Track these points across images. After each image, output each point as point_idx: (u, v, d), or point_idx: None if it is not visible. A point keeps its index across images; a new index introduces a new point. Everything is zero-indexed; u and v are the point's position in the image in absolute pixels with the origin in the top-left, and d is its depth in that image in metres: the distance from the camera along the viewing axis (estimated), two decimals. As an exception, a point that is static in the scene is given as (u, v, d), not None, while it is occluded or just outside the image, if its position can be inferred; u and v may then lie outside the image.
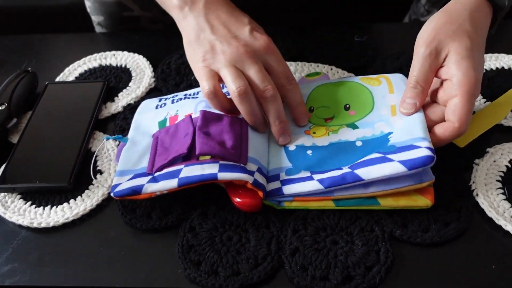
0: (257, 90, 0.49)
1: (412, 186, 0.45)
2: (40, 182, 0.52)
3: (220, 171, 0.46)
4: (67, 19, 0.95)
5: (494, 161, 0.51)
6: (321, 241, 0.45)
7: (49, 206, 0.51)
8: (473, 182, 0.49)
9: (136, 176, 0.49)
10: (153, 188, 0.47)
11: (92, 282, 0.45)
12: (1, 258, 0.47)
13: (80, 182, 0.53)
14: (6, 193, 0.53)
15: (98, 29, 0.85)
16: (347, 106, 0.52)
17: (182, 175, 0.46)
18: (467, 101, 0.46)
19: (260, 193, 0.46)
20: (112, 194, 0.48)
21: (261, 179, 0.47)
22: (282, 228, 0.47)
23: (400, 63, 0.64)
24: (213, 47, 0.50)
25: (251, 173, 0.46)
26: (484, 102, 0.58)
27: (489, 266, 0.43)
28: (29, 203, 0.52)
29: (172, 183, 0.46)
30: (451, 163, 0.51)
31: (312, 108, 0.54)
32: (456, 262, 0.44)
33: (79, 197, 0.52)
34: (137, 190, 0.47)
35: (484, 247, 0.45)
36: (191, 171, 0.46)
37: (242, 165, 0.47)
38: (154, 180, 0.47)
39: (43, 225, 0.49)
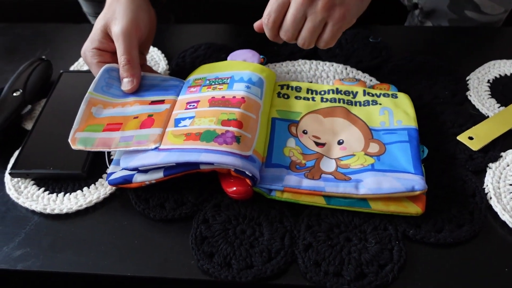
0: None
1: (404, 193, 0.45)
2: (54, 169, 0.52)
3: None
4: (80, 9, 0.95)
5: (508, 165, 0.51)
6: (335, 238, 0.46)
7: (62, 193, 0.51)
8: (487, 186, 0.49)
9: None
10: (142, 178, 0.48)
11: (104, 269, 0.45)
12: (14, 242, 0.47)
13: (94, 170, 0.53)
14: (19, 179, 0.53)
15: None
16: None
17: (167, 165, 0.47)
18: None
19: (247, 181, 0.46)
20: (107, 182, 0.50)
21: (248, 166, 0.46)
22: (295, 223, 0.47)
23: (414, 65, 0.64)
24: None
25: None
26: (498, 107, 0.58)
27: (502, 269, 0.44)
28: (42, 189, 0.52)
29: (159, 174, 0.47)
30: (465, 166, 0.51)
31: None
32: (469, 263, 0.44)
33: (92, 185, 0.52)
34: (128, 179, 0.48)
35: (497, 250, 0.45)
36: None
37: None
38: (143, 170, 0.48)
39: (56, 211, 0.49)
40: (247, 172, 0.46)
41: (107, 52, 0.57)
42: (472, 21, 0.74)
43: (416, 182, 0.45)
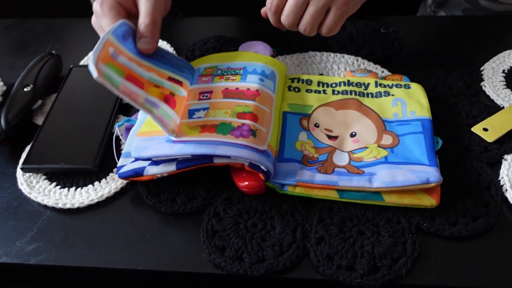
0: None
1: (418, 185, 0.44)
2: (65, 164, 0.52)
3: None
4: (90, 4, 0.95)
5: (524, 157, 0.50)
6: (347, 231, 0.45)
7: (74, 188, 0.51)
8: (502, 178, 0.48)
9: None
10: (153, 170, 0.47)
11: (116, 263, 0.45)
12: (26, 237, 0.48)
13: (105, 164, 0.53)
14: (31, 173, 0.53)
15: None
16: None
17: (180, 158, 0.46)
18: None
19: (261, 175, 0.46)
20: (117, 175, 0.50)
21: (264, 160, 0.45)
22: (307, 216, 0.47)
23: (427, 56, 0.63)
24: None
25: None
26: (514, 98, 0.57)
27: (518, 262, 0.43)
28: (54, 183, 0.52)
29: (171, 167, 0.47)
30: (479, 158, 0.50)
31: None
32: (484, 256, 0.43)
33: (103, 179, 0.52)
34: (139, 172, 0.48)
35: (513, 243, 0.44)
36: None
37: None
38: (155, 163, 0.47)
39: (67, 206, 0.50)
40: (262, 167, 0.45)
41: (125, 11, 0.52)
42: (486, 10, 0.72)
43: (431, 174, 0.44)
